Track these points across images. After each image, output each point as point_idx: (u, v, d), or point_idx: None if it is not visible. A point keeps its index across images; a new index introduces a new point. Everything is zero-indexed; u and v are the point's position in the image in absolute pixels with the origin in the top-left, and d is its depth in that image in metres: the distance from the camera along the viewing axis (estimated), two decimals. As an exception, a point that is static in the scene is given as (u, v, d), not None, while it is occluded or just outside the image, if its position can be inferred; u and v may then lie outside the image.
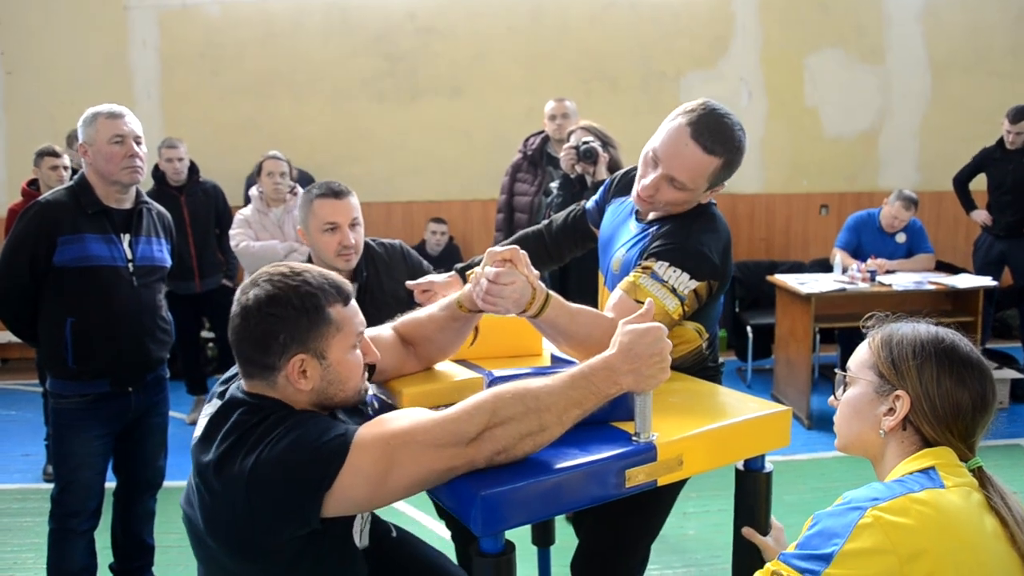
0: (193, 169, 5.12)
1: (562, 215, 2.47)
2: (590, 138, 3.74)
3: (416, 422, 1.38)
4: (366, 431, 1.38)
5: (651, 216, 2.03)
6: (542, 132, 4.54)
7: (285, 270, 1.50)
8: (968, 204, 5.83)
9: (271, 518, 1.36)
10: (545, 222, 2.50)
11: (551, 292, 1.78)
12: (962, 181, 5.81)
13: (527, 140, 4.58)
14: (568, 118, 4.42)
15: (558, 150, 4.40)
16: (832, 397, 1.47)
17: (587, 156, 3.67)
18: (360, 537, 1.64)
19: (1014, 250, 5.59)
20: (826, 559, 1.17)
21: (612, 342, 1.45)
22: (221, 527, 1.43)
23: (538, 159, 4.44)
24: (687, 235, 1.91)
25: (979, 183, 5.80)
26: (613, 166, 3.73)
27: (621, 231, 2.13)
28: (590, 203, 2.40)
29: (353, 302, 1.54)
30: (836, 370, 1.46)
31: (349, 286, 1.54)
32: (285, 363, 1.45)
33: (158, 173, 5.07)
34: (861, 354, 1.42)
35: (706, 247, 1.90)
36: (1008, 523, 1.24)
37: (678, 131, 1.87)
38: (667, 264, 1.87)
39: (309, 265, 1.54)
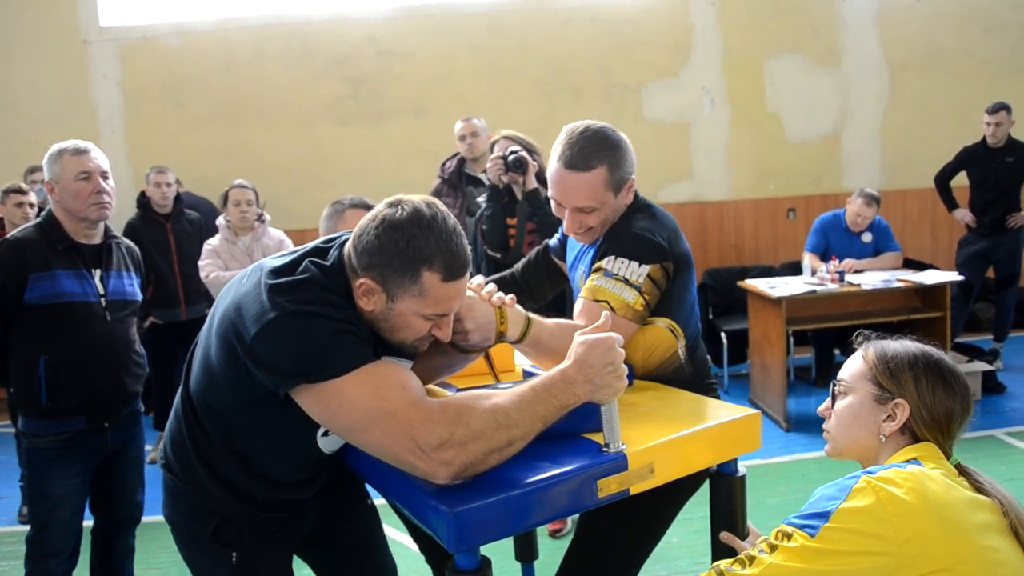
0: (179, 199, 5.17)
1: (528, 255, 2.54)
2: (517, 148, 3.72)
3: (407, 400, 1.41)
4: (370, 374, 1.43)
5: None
6: (457, 154, 4.55)
7: (436, 212, 1.51)
8: (950, 203, 5.89)
9: (257, 360, 1.45)
10: (517, 264, 2.55)
11: (531, 315, 1.81)
12: (944, 180, 5.86)
13: (444, 164, 4.60)
14: (478, 136, 4.43)
15: (474, 168, 4.43)
16: (823, 407, 1.59)
17: (517, 166, 3.66)
18: (323, 436, 1.69)
19: (997, 245, 5.67)
20: (825, 516, 1.31)
21: (568, 353, 1.48)
22: (231, 325, 1.51)
23: (456, 181, 4.46)
24: (627, 228, 1.99)
25: (959, 180, 5.87)
26: (540, 174, 3.75)
27: (579, 254, 2.19)
28: (553, 240, 2.46)
29: (460, 284, 1.54)
30: (832, 382, 1.58)
31: (467, 269, 1.54)
32: (362, 276, 1.51)
33: (143, 200, 5.11)
34: (855, 366, 1.55)
35: (647, 232, 1.95)
36: (990, 493, 1.40)
37: (556, 173, 1.99)
38: (614, 257, 1.92)
39: (453, 223, 1.53)
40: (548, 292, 2.50)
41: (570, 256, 2.29)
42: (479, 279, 1.83)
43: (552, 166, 2.00)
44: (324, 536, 1.98)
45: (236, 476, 1.71)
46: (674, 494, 1.97)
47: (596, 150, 1.95)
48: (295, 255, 1.59)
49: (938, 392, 1.45)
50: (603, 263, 1.94)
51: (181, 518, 1.81)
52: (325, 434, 1.68)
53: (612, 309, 1.86)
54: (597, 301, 1.89)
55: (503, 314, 1.76)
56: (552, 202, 2.06)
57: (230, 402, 1.61)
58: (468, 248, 1.55)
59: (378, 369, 1.45)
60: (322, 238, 1.67)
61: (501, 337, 1.77)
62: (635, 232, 1.96)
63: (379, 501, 2.11)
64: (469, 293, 1.73)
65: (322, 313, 1.45)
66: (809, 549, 1.30)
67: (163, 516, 1.85)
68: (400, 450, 1.38)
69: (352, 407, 1.41)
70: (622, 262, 1.91)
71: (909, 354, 1.49)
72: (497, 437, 1.38)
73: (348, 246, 1.56)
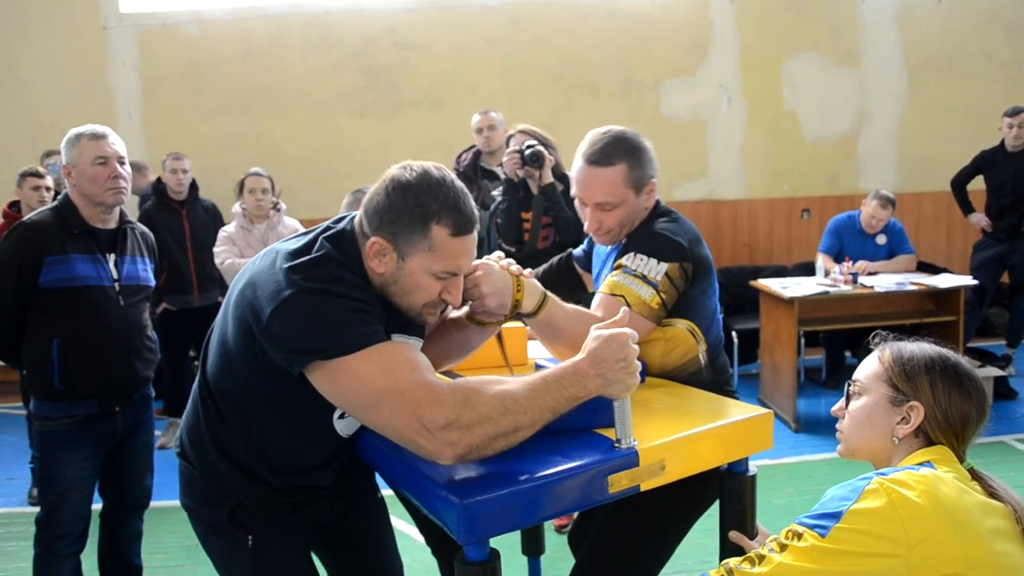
0: (194, 185, 5.20)
1: (551, 261, 2.60)
2: (533, 142, 3.72)
3: (416, 380, 1.41)
4: (381, 353, 1.45)
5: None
6: (473, 147, 4.56)
7: (444, 174, 1.58)
8: (966, 207, 5.84)
9: (271, 338, 1.47)
10: (538, 268, 2.58)
11: (548, 292, 1.84)
12: (960, 183, 5.81)
13: (459, 156, 4.61)
14: (495, 129, 4.45)
15: (490, 162, 4.43)
16: (837, 406, 1.58)
17: (534, 160, 3.65)
18: (340, 419, 1.70)
19: (1013, 250, 5.62)
20: (836, 516, 1.31)
21: (583, 347, 1.47)
22: (247, 304, 1.53)
23: (472, 174, 4.47)
24: (648, 229, 2.03)
25: (976, 184, 5.83)
26: (556, 168, 3.74)
27: (604, 262, 2.23)
28: (578, 249, 2.52)
29: (468, 241, 1.58)
30: (847, 382, 1.57)
31: (475, 226, 1.59)
32: (371, 236, 1.56)
33: (159, 186, 5.13)
34: (871, 367, 1.53)
35: (668, 232, 1.98)
36: (1004, 498, 1.39)
37: (579, 169, 2.06)
38: (634, 254, 1.96)
39: (460, 185, 1.59)
40: (566, 299, 2.52)
41: (595, 266, 2.33)
42: (498, 254, 1.85)
43: (576, 164, 2.07)
44: (335, 525, 1.98)
45: (251, 461, 1.72)
46: (687, 509, 2.01)
47: (617, 148, 2.01)
48: (309, 236, 1.62)
49: (954, 396, 1.44)
50: (623, 260, 1.97)
51: (196, 504, 1.81)
52: (342, 416, 1.69)
53: (628, 305, 1.87)
54: (614, 296, 1.91)
55: (520, 283, 1.78)
56: (576, 201, 2.12)
57: (246, 383, 1.63)
58: (475, 208, 1.60)
59: (389, 349, 1.46)
60: (333, 218, 1.69)
61: (517, 306, 1.78)
62: (655, 231, 1.99)
63: (386, 492, 2.11)
64: (488, 260, 1.77)
65: (336, 292, 1.47)
66: (819, 549, 1.29)
67: (180, 503, 1.86)
68: (406, 429, 1.39)
69: (362, 385, 1.42)
70: (641, 259, 1.94)
71: (926, 357, 1.48)
72: (504, 422, 1.38)
73: (359, 213, 1.61)
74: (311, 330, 1.44)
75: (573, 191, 2.10)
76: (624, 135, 2.04)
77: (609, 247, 2.21)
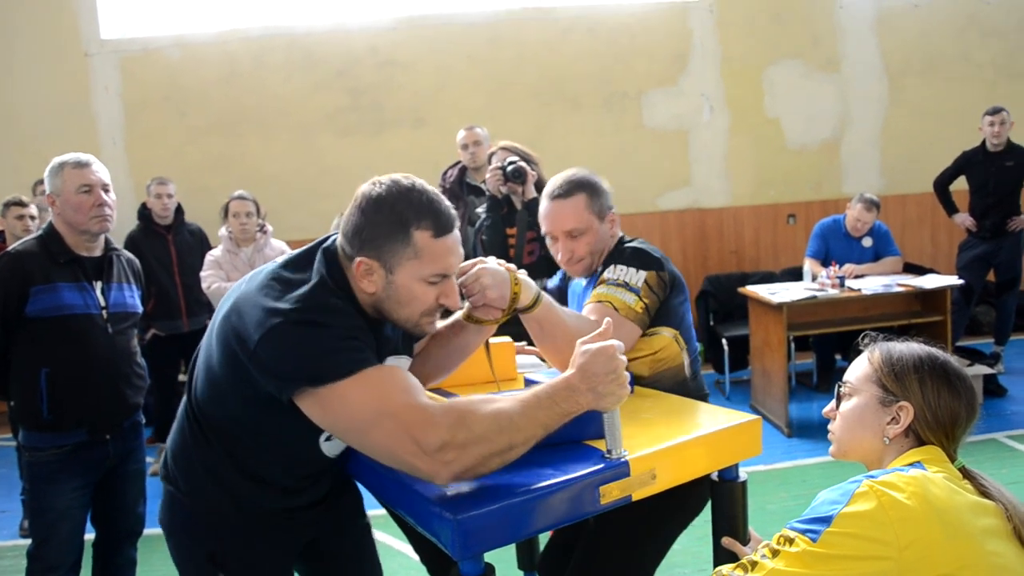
0: (179, 210, 5.18)
1: None
2: (515, 158, 3.74)
3: (409, 402, 1.41)
4: (373, 377, 1.43)
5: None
6: (458, 163, 4.57)
7: (413, 181, 1.57)
8: (950, 207, 5.89)
9: (260, 365, 1.46)
10: None
11: (543, 292, 1.89)
12: (943, 184, 5.86)
13: (445, 173, 4.62)
14: (480, 145, 4.46)
15: (476, 178, 4.44)
16: (828, 408, 1.59)
17: (516, 176, 3.67)
18: (327, 440, 1.69)
19: (998, 248, 5.68)
20: (827, 520, 1.31)
21: (571, 362, 1.48)
22: (231, 330, 1.52)
23: (458, 190, 4.47)
24: (620, 249, 2.21)
25: (959, 184, 5.88)
26: (539, 184, 3.76)
27: (580, 298, 2.30)
28: (550, 283, 2.61)
29: (452, 239, 1.57)
30: (837, 384, 1.58)
31: (454, 225, 1.58)
32: (355, 257, 1.55)
33: (144, 212, 5.12)
34: (861, 368, 1.54)
35: (642, 248, 2.17)
36: (995, 497, 1.39)
37: (545, 206, 2.25)
38: (614, 266, 2.11)
39: (427, 187, 1.58)
40: None
41: (571, 304, 2.41)
42: (493, 259, 1.87)
43: (542, 206, 2.26)
44: (321, 548, 1.95)
45: (240, 483, 1.70)
46: (675, 517, 2.03)
47: (576, 183, 2.21)
48: (302, 256, 1.62)
49: (943, 395, 1.45)
50: (605, 275, 2.10)
51: (178, 531, 1.79)
52: (329, 438, 1.68)
53: (616, 309, 1.98)
54: (602, 303, 2.01)
55: (516, 278, 1.82)
56: (547, 240, 2.28)
57: (233, 406, 1.61)
58: (451, 207, 1.60)
59: (380, 372, 1.46)
60: (307, 246, 1.67)
61: (515, 300, 1.81)
62: (629, 249, 2.15)
63: (380, 512, 2.10)
64: (482, 259, 1.81)
65: (324, 322, 1.46)
66: (811, 554, 1.30)
67: (159, 522, 1.82)
68: (401, 451, 1.38)
69: (354, 410, 1.42)
70: (621, 269, 2.07)
71: (914, 356, 1.48)
72: (499, 440, 1.38)
73: (339, 237, 1.60)
74: (301, 358, 1.43)
75: (544, 230, 2.27)
76: (580, 173, 2.25)
77: (585, 282, 2.30)
